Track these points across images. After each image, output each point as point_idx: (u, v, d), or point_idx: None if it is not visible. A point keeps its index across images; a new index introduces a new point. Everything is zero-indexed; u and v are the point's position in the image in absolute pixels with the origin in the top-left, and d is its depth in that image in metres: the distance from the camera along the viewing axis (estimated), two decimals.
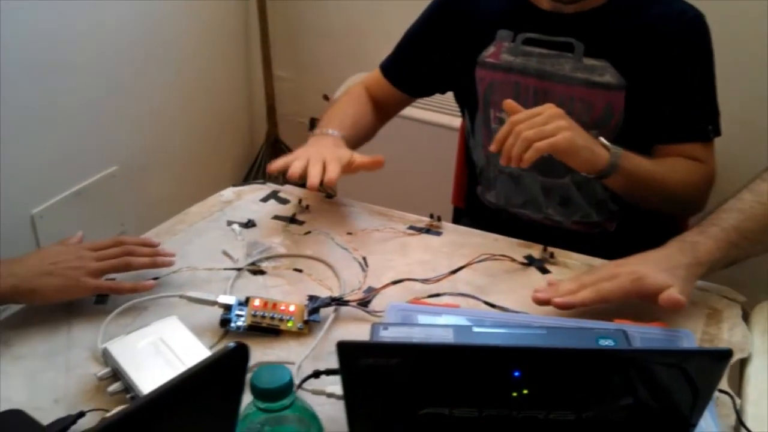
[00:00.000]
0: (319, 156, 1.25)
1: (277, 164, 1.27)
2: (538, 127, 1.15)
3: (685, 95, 1.31)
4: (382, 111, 1.56)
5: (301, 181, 1.23)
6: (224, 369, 0.62)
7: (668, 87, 1.30)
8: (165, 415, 0.57)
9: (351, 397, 0.70)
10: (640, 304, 1.06)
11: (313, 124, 2.69)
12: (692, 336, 0.99)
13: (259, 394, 0.70)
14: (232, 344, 0.61)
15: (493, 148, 1.19)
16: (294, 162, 1.24)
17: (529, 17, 1.35)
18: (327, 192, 1.38)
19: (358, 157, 1.29)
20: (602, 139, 1.22)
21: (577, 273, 1.15)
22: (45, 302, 1.04)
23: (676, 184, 1.28)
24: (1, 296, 1.01)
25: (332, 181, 1.21)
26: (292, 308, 1.04)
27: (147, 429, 0.56)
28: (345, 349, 0.66)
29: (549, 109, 1.18)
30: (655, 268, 1.03)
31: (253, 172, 2.87)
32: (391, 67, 1.54)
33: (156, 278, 1.12)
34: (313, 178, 1.20)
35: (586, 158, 1.18)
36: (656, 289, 1.00)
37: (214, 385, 0.62)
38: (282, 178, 1.28)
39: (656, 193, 1.28)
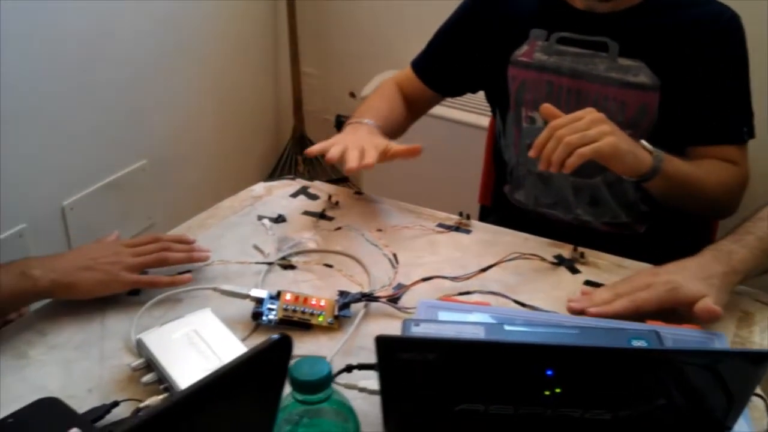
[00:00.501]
0: (357, 142, 1.26)
1: (315, 148, 1.27)
2: (581, 132, 1.14)
3: (719, 97, 1.30)
4: (413, 108, 1.56)
5: (339, 165, 1.23)
6: (268, 360, 0.62)
7: (703, 88, 1.29)
8: (210, 405, 0.57)
9: (387, 392, 0.71)
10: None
11: (338, 121, 2.70)
12: (725, 338, 0.98)
13: (299, 385, 0.71)
14: (275, 336, 0.62)
15: (532, 153, 1.17)
16: (333, 147, 1.24)
17: (563, 16, 1.35)
18: (357, 189, 1.39)
19: (395, 145, 1.29)
20: (644, 142, 1.20)
21: (609, 275, 1.15)
22: (84, 296, 1.06)
23: (712, 186, 1.27)
24: (41, 290, 1.02)
25: (370, 165, 1.21)
26: (323, 303, 1.04)
27: (192, 418, 0.56)
28: (383, 343, 0.67)
29: (590, 113, 1.16)
30: (690, 277, 1.03)
31: (280, 167, 2.89)
32: (422, 66, 1.54)
33: (189, 271, 1.13)
34: (352, 162, 1.21)
35: (630, 163, 1.17)
36: (691, 299, 1.00)
37: (257, 376, 0.62)
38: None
39: (693, 195, 1.27)
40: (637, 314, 1.02)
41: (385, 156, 1.27)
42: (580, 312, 1.03)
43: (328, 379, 0.72)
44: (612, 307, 1.02)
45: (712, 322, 1.01)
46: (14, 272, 1.01)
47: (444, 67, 1.52)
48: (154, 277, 1.09)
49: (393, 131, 1.47)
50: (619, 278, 1.12)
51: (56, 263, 1.05)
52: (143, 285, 1.09)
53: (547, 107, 1.21)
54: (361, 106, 1.50)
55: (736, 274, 1.05)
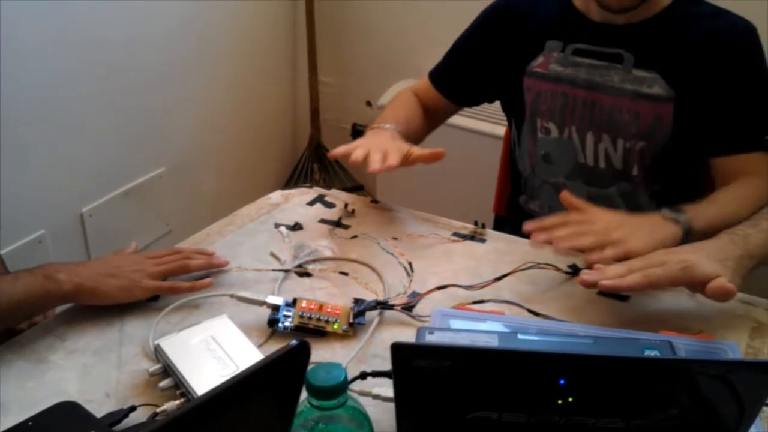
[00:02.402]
0: (380, 145, 1.27)
1: (339, 150, 1.28)
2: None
3: (738, 106, 1.30)
4: (430, 118, 1.57)
5: (363, 166, 1.24)
6: (286, 366, 0.63)
7: (720, 99, 1.29)
8: (227, 410, 0.58)
9: (402, 399, 0.71)
10: (686, 315, 1.06)
11: (354, 129, 2.72)
12: (737, 348, 0.98)
13: (315, 391, 0.71)
14: (294, 342, 0.63)
15: (534, 237, 1.15)
16: (356, 149, 1.26)
17: (578, 28, 1.36)
18: (373, 197, 1.39)
19: (417, 149, 1.30)
20: (665, 211, 1.18)
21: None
22: (106, 301, 1.07)
23: (749, 211, 1.22)
24: (65, 294, 1.04)
25: (393, 167, 1.22)
26: (338, 310, 1.05)
27: (209, 424, 0.57)
28: (399, 350, 0.68)
29: (601, 221, 1.16)
30: (705, 257, 1.02)
31: (296, 175, 2.90)
32: (440, 76, 1.55)
33: (208, 276, 1.15)
34: (375, 163, 1.22)
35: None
36: (705, 278, 0.99)
37: (275, 382, 0.63)
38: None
39: None
40: (650, 290, 1.01)
41: (407, 160, 1.27)
42: (593, 285, 1.02)
43: (344, 385, 0.73)
44: (625, 282, 1.01)
45: (726, 300, 1.00)
46: (39, 275, 1.03)
47: (461, 78, 1.53)
48: (174, 284, 1.11)
49: (412, 138, 1.47)
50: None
51: (80, 269, 1.07)
52: (164, 292, 1.11)
53: (565, 196, 1.21)
54: (381, 113, 1.51)
55: (752, 259, 1.05)
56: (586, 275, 1.03)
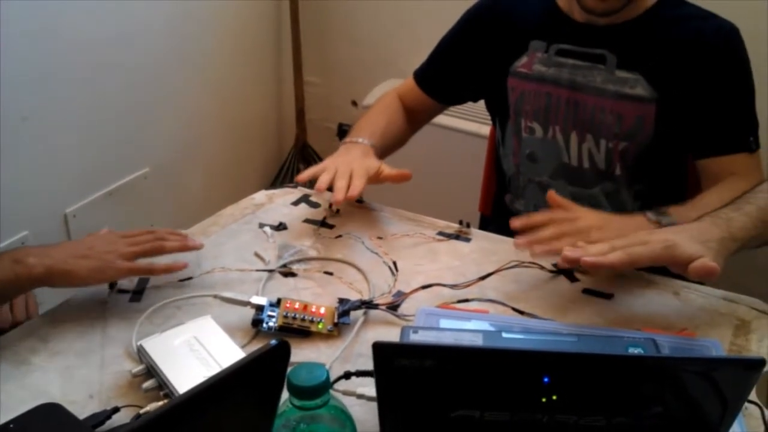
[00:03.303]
0: (346, 168, 1.28)
1: (305, 174, 1.30)
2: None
3: (723, 108, 1.30)
4: (415, 119, 1.57)
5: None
6: (266, 366, 0.63)
7: (705, 101, 1.30)
8: (208, 409, 0.58)
9: (384, 398, 0.71)
10: (670, 313, 1.06)
11: (341, 129, 2.71)
12: (720, 346, 0.99)
13: (296, 391, 0.71)
14: (274, 342, 0.62)
15: (521, 240, 1.15)
16: (322, 175, 1.26)
17: (562, 28, 1.36)
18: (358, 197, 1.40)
19: (386, 168, 1.32)
20: (649, 214, 1.19)
21: (608, 283, 1.15)
22: (79, 283, 1.05)
23: None
24: (36, 277, 1.01)
25: (354, 197, 1.24)
26: (322, 310, 1.05)
27: (189, 423, 0.57)
28: (380, 349, 0.67)
29: (585, 219, 1.17)
30: (688, 238, 1.02)
31: (282, 175, 2.90)
32: (424, 76, 1.55)
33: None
34: (338, 193, 1.23)
35: None
36: (687, 258, 0.99)
37: (255, 381, 0.63)
38: (310, 181, 1.30)
39: None
40: (631, 267, 1.01)
41: (375, 179, 1.30)
42: (575, 261, 1.01)
43: (326, 385, 0.72)
44: (607, 259, 1.01)
45: (709, 280, 1.00)
46: (8, 260, 1.01)
47: (445, 77, 1.53)
48: (150, 264, 1.09)
49: (391, 145, 1.48)
50: (619, 287, 1.13)
51: (52, 251, 1.04)
52: (139, 272, 1.09)
53: (551, 195, 1.21)
54: (360, 120, 1.51)
55: (734, 241, 1.05)
56: (568, 251, 1.03)
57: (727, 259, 1.04)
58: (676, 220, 1.17)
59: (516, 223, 1.15)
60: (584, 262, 1.01)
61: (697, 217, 1.09)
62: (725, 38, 1.29)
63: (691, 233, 1.04)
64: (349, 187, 1.25)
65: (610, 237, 1.08)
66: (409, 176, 1.32)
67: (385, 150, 1.43)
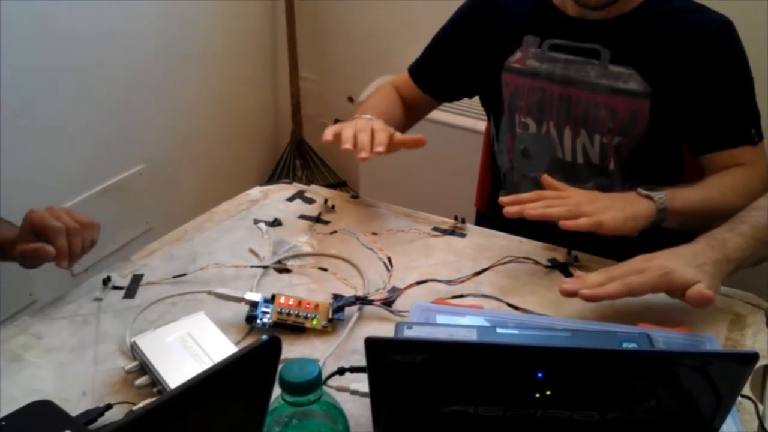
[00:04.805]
0: (366, 124, 1.27)
1: (328, 134, 1.28)
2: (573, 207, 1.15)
3: (722, 102, 1.30)
4: (410, 113, 1.57)
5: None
6: (257, 362, 0.63)
7: (700, 95, 1.29)
8: (199, 405, 0.58)
9: (377, 394, 0.71)
10: (664, 308, 1.06)
11: None
12: (715, 340, 0.99)
13: (288, 387, 0.71)
14: (265, 337, 0.62)
15: (509, 210, 1.17)
16: (344, 130, 1.26)
17: (555, 23, 1.36)
18: (353, 193, 1.39)
19: (399, 134, 1.30)
20: (641, 190, 1.20)
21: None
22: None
23: (734, 201, 1.23)
24: None
25: (381, 153, 1.22)
26: (317, 306, 1.05)
27: (180, 419, 0.57)
28: (373, 345, 0.67)
29: (576, 195, 1.19)
30: (684, 263, 1.03)
31: (278, 171, 2.89)
32: (419, 71, 1.55)
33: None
34: (364, 150, 1.22)
35: (632, 226, 1.16)
36: (684, 284, 1.00)
37: (246, 377, 0.63)
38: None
39: (717, 215, 1.21)
40: (630, 297, 1.02)
41: (391, 142, 1.27)
42: (573, 293, 1.02)
43: (318, 381, 0.72)
44: (604, 290, 1.01)
45: (705, 307, 1.00)
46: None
47: (440, 72, 1.53)
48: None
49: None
50: None
51: None
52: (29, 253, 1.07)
53: (545, 178, 1.23)
54: (359, 107, 1.50)
55: (729, 263, 1.05)
56: (566, 284, 1.04)
57: (722, 280, 1.05)
58: (667, 195, 1.18)
59: (506, 198, 1.16)
60: (582, 295, 1.01)
61: (693, 240, 1.09)
62: (718, 31, 1.29)
63: (686, 258, 1.04)
64: (373, 141, 1.23)
65: (601, 209, 1.12)
66: (423, 141, 1.30)
67: None
